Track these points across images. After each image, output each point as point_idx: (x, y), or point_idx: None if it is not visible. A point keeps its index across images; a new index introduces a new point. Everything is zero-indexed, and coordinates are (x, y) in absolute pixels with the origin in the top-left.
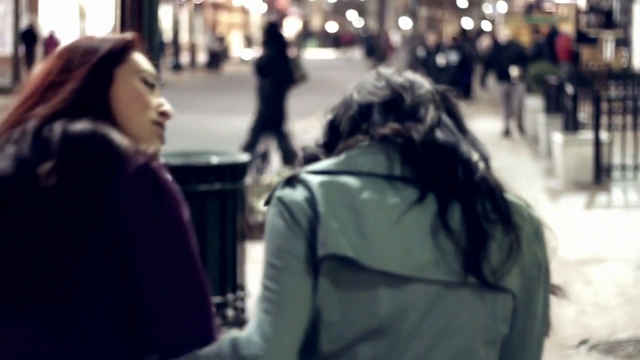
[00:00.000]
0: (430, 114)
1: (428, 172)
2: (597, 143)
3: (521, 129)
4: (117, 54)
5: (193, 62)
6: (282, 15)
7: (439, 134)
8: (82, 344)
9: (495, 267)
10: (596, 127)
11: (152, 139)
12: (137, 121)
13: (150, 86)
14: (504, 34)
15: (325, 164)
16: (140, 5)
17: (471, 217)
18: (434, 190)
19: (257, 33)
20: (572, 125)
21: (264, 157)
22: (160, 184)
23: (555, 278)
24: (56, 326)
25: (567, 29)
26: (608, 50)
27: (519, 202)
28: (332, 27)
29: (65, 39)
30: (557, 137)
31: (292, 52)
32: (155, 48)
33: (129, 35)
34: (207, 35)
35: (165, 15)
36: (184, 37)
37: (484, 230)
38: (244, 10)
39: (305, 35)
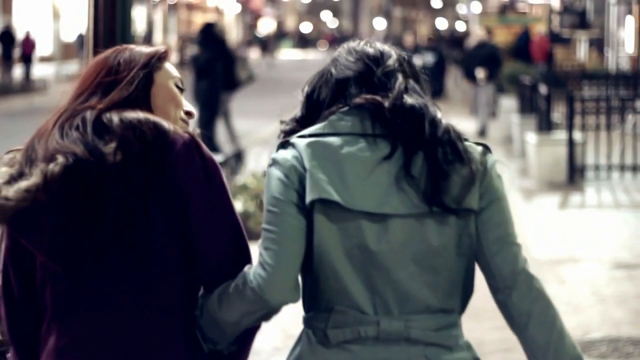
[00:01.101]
0: (398, 81)
1: (397, 129)
2: (571, 143)
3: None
4: (156, 62)
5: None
6: (257, 15)
7: (407, 99)
8: (151, 290)
9: (455, 195)
10: (570, 128)
11: None
12: (171, 117)
13: (181, 90)
14: (478, 34)
15: (311, 128)
16: (113, 5)
17: (433, 162)
18: (402, 144)
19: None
20: (545, 126)
21: (238, 157)
22: (204, 154)
23: None
24: (132, 276)
25: (541, 29)
26: (582, 51)
27: (475, 145)
28: (306, 27)
29: (40, 39)
30: (531, 137)
31: (235, 53)
32: None
33: (162, 47)
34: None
35: (138, 16)
36: (158, 38)
37: (444, 170)
38: (218, 11)
39: (280, 35)
